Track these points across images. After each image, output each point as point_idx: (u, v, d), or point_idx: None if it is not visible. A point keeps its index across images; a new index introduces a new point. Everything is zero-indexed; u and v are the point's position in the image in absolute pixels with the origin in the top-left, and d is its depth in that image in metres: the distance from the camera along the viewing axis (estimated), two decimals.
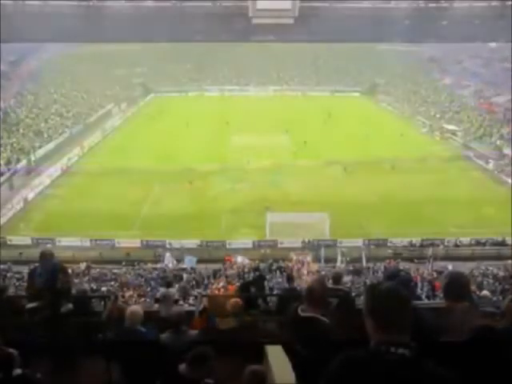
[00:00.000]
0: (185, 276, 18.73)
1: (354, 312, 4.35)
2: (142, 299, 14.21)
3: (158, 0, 79.54)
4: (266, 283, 11.79)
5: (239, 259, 21.98)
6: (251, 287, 8.00)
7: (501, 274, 18.37)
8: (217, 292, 14.76)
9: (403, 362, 1.78)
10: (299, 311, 3.24)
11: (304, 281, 16.53)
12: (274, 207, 26.64)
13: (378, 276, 18.71)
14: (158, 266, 21.49)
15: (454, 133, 47.23)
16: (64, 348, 4.84)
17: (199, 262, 21.59)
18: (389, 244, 24.88)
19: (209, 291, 15.53)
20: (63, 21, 68.90)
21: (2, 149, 35.06)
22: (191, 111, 59.10)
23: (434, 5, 76.78)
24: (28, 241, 24.78)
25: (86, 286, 15.86)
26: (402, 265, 20.54)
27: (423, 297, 13.79)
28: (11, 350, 3.43)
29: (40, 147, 39.23)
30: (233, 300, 4.92)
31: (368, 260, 21.72)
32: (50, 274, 4.89)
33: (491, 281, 17.48)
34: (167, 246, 24.42)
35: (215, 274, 19.24)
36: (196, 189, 31.44)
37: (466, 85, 60.78)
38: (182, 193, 30.91)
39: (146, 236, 25.40)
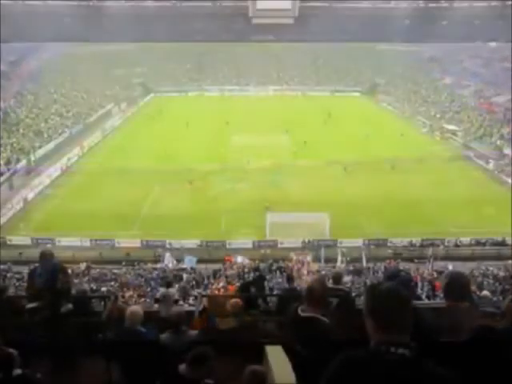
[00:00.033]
0: (185, 276, 18.71)
1: (354, 312, 4.35)
2: (142, 299, 14.21)
3: (157, 0, 79.67)
4: (266, 283, 11.78)
5: (239, 259, 21.96)
6: (251, 287, 8.00)
7: (501, 274, 18.37)
8: (217, 292, 14.76)
9: (403, 362, 1.78)
10: (299, 311, 3.24)
11: (304, 281, 16.52)
12: (273, 207, 26.64)
13: (378, 276, 18.70)
14: (158, 266, 21.47)
15: (454, 133, 47.22)
16: (64, 348, 4.84)
17: (199, 262, 21.57)
18: (389, 244, 24.87)
19: (209, 291, 15.53)
20: (63, 21, 69.05)
21: (1, 149, 35.05)
22: (191, 111, 59.10)
23: (434, 5, 76.88)
24: (28, 241, 24.76)
25: (86, 286, 15.86)
26: (402, 265, 20.52)
27: (423, 297, 13.79)
28: (11, 350, 3.43)
29: (40, 147, 39.22)
30: (233, 300, 4.92)
31: (368, 260, 21.70)
32: (50, 274, 4.88)
33: (491, 281, 17.47)
34: (167, 246, 24.40)
35: (215, 274, 19.23)
36: (196, 189, 31.44)
37: (466, 85, 60.78)
38: (182, 193, 30.90)
39: (146, 236, 25.39)
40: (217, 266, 20.64)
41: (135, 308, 4.51)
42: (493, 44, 66.89)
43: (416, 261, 22.35)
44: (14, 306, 5.41)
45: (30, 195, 30.90)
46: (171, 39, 79.21)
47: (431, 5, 77.47)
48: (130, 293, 15.45)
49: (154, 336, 4.37)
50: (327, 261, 22.36)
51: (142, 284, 17.71)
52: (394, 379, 1.77)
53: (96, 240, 25.00)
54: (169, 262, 21.65)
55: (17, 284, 16.11)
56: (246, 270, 19.26)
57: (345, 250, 23.14)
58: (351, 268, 20.78)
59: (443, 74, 69.01)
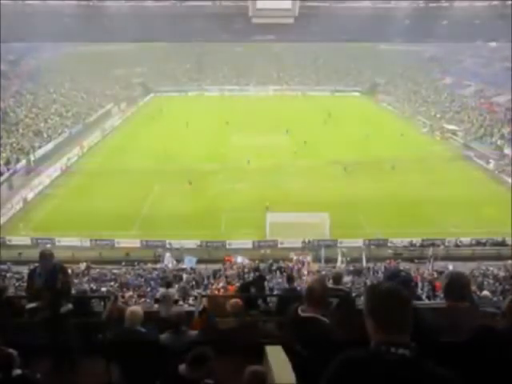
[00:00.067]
0: (185, 276, 18.71)
1: (354, 312, 4.35)
2: (142, 299, 14.21)
3: (157, 0, 79.65)
4: (266, 283, 11.77)
5: (239, 259, 21.95)
6: (251, 287, 7.99)
7: (501, 274, 18.37)
8: (217, 292, 14.76)
9: (403, 362, 1.78)
10: (299, 311, 3.23)
11: (304, 281, 16.53)
12: (273, 207, 26.64)
13: (379, 276, 18.70)
14: (158, 266, 21.47)
15: (454, 133, 47.22)
16: (64, 348, 4.84)
17: (199, 262, 21.57)
18: (389, 244, 24.87)
19: (209, 291, 15.52)
20: (63, 21, 69.01)
21: (1, 149, 35.04)
22: (191, 111, 59.12)
23: (434, 4, 76.83)
24: (28, 241, 24.75)
25: (86, 287, 15.86)
26: (403, 265, 20.51)
27: (423, 297, 13.78)
28: (11, 351, 3.42)
29: (39, 147, 39.20)
30: (233, 300, 4.92)
31: (368, 260, 21.70)
32: (50, 275, 4.88)
33: (491, 281, 17.47)
34: (167, 246, 24.39)
35: (215, 275, 19.22)
36: (196, 189, 31.43)
37: (467, 84, 60.77)
38: (181, 193, 30.89)
39: (146, 236, 25.39)
40: (217, 266, 20.63)
41: (135, 308, 4.51)
42: (493, 44, 66.89)
43: (416, 261, 22.36)
44: (13, 306, 5.42)
45: (30, 195, 30.91)
46: (171, 39, 79.24)
47: (431, 4, 77.41)
48: (130, 293, 15.45)
49: (154, 336, 4.37)
50: (327, 261, 22.36)
51: (141, 284, 17.70)
52: (394, 379, 1.76)
53: (96, 240, 25.00)
54: (169, 262, 21.64)
55: (16, 284, 16.10)
56: (246, 270, 19.24)
57: (345, 250, 23.13)
58: (351, 268, 20.78)
59: (443, 74, 69.02)
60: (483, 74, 59.88)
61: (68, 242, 24.58)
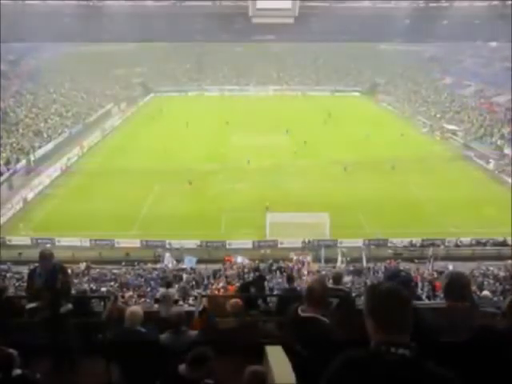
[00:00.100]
0: (184, 276, 18.70)
1: (354, 312, 4.35)
2: (142, 299, 14.20)
3: (157, 0, 79.67)
4: (266, 283, 11.77)
5: (239, 259, 21.94)
6: (251, 287, 7.99)
7: (501, 274, 18.35)
8: (217, 292, 14.75)
9: (403, 362, 1.78)
10: (299, 311, 3.23)
11: (304, 281, 16.52)
12: (273, 207, 26.63)
13: (379, 276, 18.70)
14: (158, 266, 21.47)
15: (454, 133, 47.21)
16: (64, 348, 4.84)
17: (199, 262, 21.56)
18: (389, 244, 24.86)
19: (209, 291, 15.52)
20: (63, 21, 69.01)
21: (1, 149, 35.05)
22: (191, 111, 59.13)
23: (434, 4, 76.84)
24: (27, 241, 24.75)
25: (86, 287, 15.86)
26: (403, 265, 20.50)
27: (424, 297, 13.78)
28: (11, 351, 3.42)
29: (39, 147, 39.20)
30: (233, 300, 4.92)
31: (368, 260, 21.69)
32: (50, 275, 4.87)
33: (492, 281, 17.45)
34: (167, 246, 24.38)
35: (215, 275, 19.22)
36: (196, 189, 31.43)
37: (467, 84, 60.76)
38: (181, 193, 30.90)
39: (146, 236, 25.38)
40: (217, 266, 20.63)
41: (135, 308, 4.51)
42: (493, 44, 66.89)
43: (416, 261, 22.35)
44: (13, 306, 5.42)
45: (30, 195, 30.91)
46: (171, 39, 79.25)
47: (431, 4, 77.43)
48: (130, 293, 15.44)
49: (154, 336, 4.37)
50: (327, 261, 22.36)
51: (141, 284, 17.70)
52: (395, 379, 1.76)
53: (96, 240, 24.99)
54: (169, 262, 21.63)
55: (16, 284, 16.10)
56: (246, 270, 19.24)
57: (345, 250, 23.13)
58: (351, 268, 20.77)
59: (443, 74, 69.01)
60: (483, 74, 59.87)
61: (68, 242, 24.58)
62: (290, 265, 20.98)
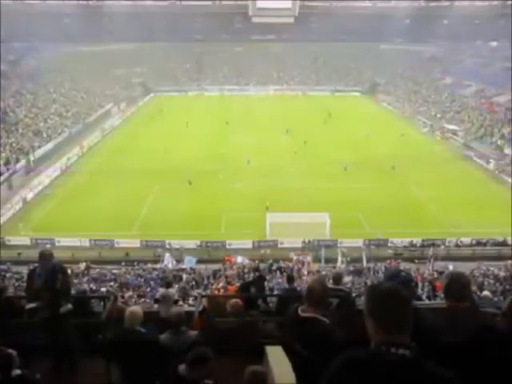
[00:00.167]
0: (184, 276, 18.69)
1: (354, 312, 4.35)
2: (142, 300, 14.19)
3: (157, 0, 79.73)
4: (266, 283, 11.77)
5: (239, 259, 21.94)
6: (251, 287, 7.98)
7: (502, 274, 18.35)
8: (217, 292, 14.75)
9: (404, 362, 1.77)
10: (299, 311, 3.22)
11: (304, 281, 16.51)
12: (273, 207, 26.63)
13: (379, 276, 18.69)
14: (158, 266, 21.45)
15: (454, 133, 47.21)
16: (64, 348, 4.84)
17: (199, 262, 21.55)
18: (389, 244, 24.86)
19: (209, 291, 15.51)
20: (63, 21, 69.06)
21: (1, 149, 35.05)
22: (191, 111, 59.13)
23: (434, 4, 76.90)
24: (27, 241, 24.74)
25: (86, 287, 15.85)
26: (403, 265, 20.50)
27: (424, 297, 13.77)
28: (10, 351, 3.42)
29: (39, 147, 39.19)
30: (233, 300, 4.92)
31: (368, 260, 21.68)
32: (50, 275, 4.87)
33: (492, 281, 17.44)
34: (167, 246, 24.38)
35: (215, 275, 19.21)
36: (196, 189, 31.43)
37: (467, 84, 60.76)
38: (181, 193, 30.90)
39: (146, 236, 25.37)
40: (217, 267, 20.61)
41: (135, 308, 4.50)
42: (493, 43, 66.92)
43: (416, 261, 22.34)
44: (13, 306, 5.41)
45: (30, 195, 30.89)
46: (171, 39, 79.38)
47: (432, 4, 77.51)
48: (130, 293, 15.43)
49: (154, 336, 4.36)
50: (327, 261, 22.34)
51: (141, 284, 17.69)
52: (395, 380, 1.76)
53: (95, 240, 24.98)
54: (168, 262, 21.61)
55: (16, 284, 16.08)
56: (246, 270, 19.23)
57: (345, 250, 23.12)
58: (351, 268, 20.76)
59: (444, 74, 69.00)
60: (483, 74, 59.86)
61: (68, 242, 24.57)
62: (290, 265, 20.97)
